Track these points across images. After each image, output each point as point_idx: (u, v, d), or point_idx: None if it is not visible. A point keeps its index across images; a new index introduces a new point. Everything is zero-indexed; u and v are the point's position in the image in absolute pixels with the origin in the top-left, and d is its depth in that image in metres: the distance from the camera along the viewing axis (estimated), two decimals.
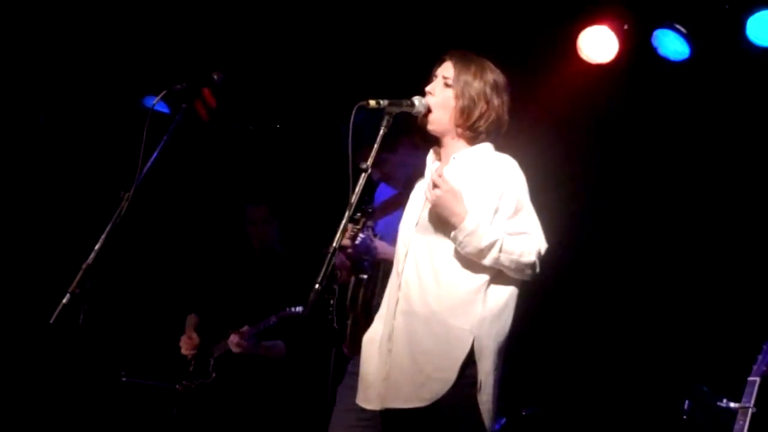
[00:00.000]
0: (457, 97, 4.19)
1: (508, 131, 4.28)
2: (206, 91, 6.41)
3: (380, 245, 4.77)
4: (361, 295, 4.84)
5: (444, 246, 4.11)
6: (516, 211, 4.09)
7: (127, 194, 4.45)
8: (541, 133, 6.20)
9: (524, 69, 6.31)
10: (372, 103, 4.07)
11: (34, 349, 6.44)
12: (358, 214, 4.58)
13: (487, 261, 4.00)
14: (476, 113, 4.18)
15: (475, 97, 4.18)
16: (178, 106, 4.72)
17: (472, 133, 4.21)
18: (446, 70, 4.25)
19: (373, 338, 4.26)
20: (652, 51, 6.41)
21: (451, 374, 4.00)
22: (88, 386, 7.15)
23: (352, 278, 4.90)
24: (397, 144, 5.08)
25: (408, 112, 4.19)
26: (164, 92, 4.61)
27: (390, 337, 4.15)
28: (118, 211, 4.42)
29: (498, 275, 4.11)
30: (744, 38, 6.10)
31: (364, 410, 4.38)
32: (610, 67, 6.52)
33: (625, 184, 6.91)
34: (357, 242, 4.64)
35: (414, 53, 6.78)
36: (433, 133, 4.26)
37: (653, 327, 6.67)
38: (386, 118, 4.10)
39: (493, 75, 4.25)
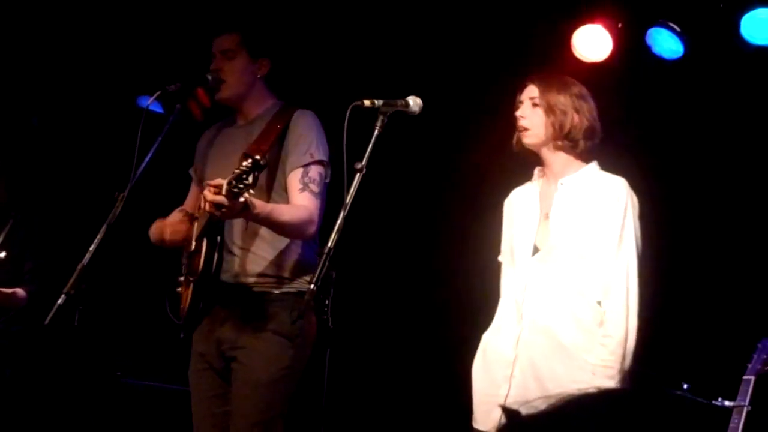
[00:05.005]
0: (547, 112, 4.31)
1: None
2: (200, 91, 6.39)
3: (259, 205, 4.34)
4: (215, 259, 4.56)
5: (566, 279, 4.22)
6: (618, 247, 4.21)
7: (122, 195, 4.46)
8: None
9: (518, 68, 6.31)
10: (366, 103, 4.09)
11: (29, 350, 6.43)
12: (247, 163, 4.06)
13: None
14: (568, 123, 4.30)
15: (564, 109, 4.30)
16: (172, 107, 4.73)
17: (570, 143, 4.32)
18: (531, 92, 4.38)
19: (489, 359, 4.37)
20: (647, 49, 6.40)
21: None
22: (84, 387, 7.14)
23: (204, 240, 4.55)
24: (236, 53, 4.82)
25: (402, 112, 4.23)
26: (158, 93, 4.62)
27: (511, 364, 4.24)
28: (113, 212, 4.42)
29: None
30: (738, 36, 6.10)
31: (222, 397, 4.61)
32: (605, 65, 6.51)
33: None
34: (240, 200, 4.10)
35: (408, 54, 6.80)
36: (530, 148, 4.37)
37: (647, 326, 6.66)
38: (381, 118, 4.12)
39: (575, 87, 4.39)
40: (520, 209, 4.44)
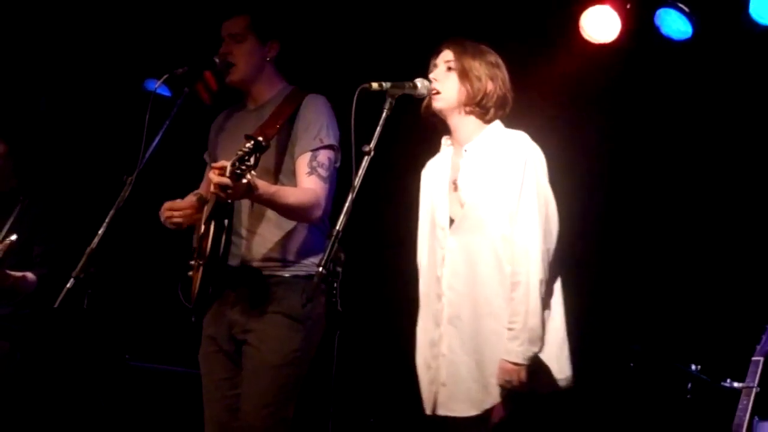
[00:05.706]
0: (461, 77, 4.27)
1: (509, 113, 4.32)
2: (208, 74, 6.39)
3: (262, 185, 4.36)
4: (223, 242, 4.52)
5: (482, 247, 4.16)
6: (518, 206, 4.13)
7: (130, 178, 4.46)
8: (543, 114, 6.18)
9: (526, 49, 6.31)
10: (374, 85, 4.08)
11: (39, 333, 6.45)
12: (249, 145, 4.13)
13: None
14: (482, 91, 4.25)
15: (479, 75, 4.27)
16: (180, 90, 4.73)
17: (481, 110, 4.28)
18: (446, 56, 4.34)
19: (420, 340, 4.41)
20: (655, 30, 6.39)
21: None
22: (93, 370, 7.16)
23: (212, 223, 4.52)
24: (245, 36, 4.79)
25: (410, 95, 4.22)
26: (166, 76, 4.62)
27: (437, 343, 4.25)
28: (121, 195, 4.43)
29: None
30: (747, 17, 6.08)
31: (233, 380, 4.60)
32: (613, 47, 6.50)
33: (627, 166, 6.90)
34: (243, 181, 4.14)
35: (415, 35, 6.78)
36: (440, 113, 4.32)
37: (657, 309, 6.66)
38: (389, 100, 4.11)
39: (491, 56, 4.35)
40: (433, 180, 4.40)
